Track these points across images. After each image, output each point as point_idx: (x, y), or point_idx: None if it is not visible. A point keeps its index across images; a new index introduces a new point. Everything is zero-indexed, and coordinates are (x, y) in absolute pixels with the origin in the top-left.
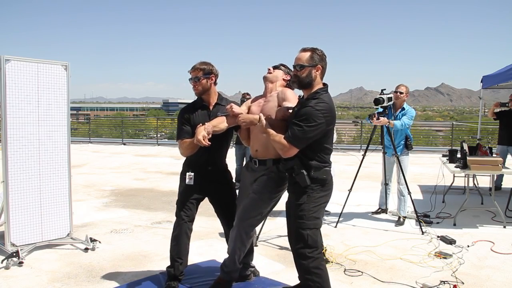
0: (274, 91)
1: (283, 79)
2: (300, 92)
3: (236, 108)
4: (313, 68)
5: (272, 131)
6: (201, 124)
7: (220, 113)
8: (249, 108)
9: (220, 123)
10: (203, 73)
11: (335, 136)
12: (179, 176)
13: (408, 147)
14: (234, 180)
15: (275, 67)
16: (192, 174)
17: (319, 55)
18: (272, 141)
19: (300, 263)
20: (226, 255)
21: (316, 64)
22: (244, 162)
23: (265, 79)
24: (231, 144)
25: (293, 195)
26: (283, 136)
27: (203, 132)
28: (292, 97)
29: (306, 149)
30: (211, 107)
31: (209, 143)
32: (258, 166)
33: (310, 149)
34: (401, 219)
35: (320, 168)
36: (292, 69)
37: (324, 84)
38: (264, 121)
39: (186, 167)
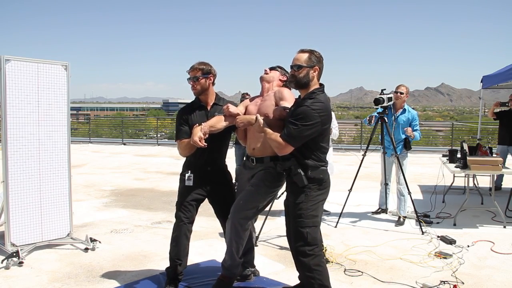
0: (271, 90)
1: (280, 80)
2: (298, 93)
3: (232, 108)
4: (311, 69)
5: (268, 130)
6: (197, 124)
7: (218, 114)
8: (246, 108)
9: (218, 122)
10: (202, 73)
11: (336, 132)
12: (179, 176)
13: (407, 147)
14: (234, 180)
15: (271, 68)
16: (191, 175)
17: (317, 57)
18: (268, 139)
19: (300, 261)
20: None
21: (314, 65)
22: None
23: (262, 79)
24: (230, 144)
25: (291, 195)
26: (278, 134)
27: (199, 133)
28: (289, 96)
29: (302, 148)
30: (209, 107)
31: (206, 144)
32: (256, 163)
33: (307, 148)
34: (401, 219)
35: (317, 167)
36: (288, 71)
37: (321, 85)
38: (261, 121)
39: (185, 168)
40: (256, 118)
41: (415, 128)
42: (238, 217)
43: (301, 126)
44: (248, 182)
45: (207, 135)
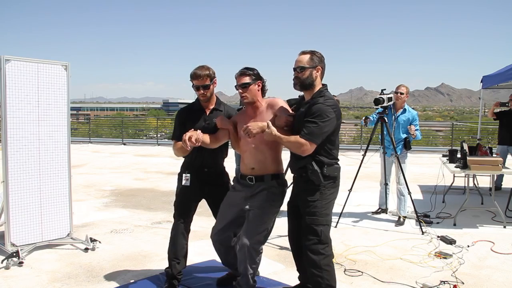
0: (261, 106)
1: (258, 90)
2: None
3: (224, 122)
4: (314, 69)
5: (283, 136)
6: (193, 129)
7: (215, 120)
8: (235, 125)
9: (209, 141)
10: (210, 79)
11: None
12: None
13: (407, 147)
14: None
15: (243, 86)
16: (189, 175)
17: (318, 57)
18: (287, 143)
19: (311, 259)
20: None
21: (316, 65)
22: None
23: (247, 104)
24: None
25: (304, 192)
26: (297, 136)
27: (190, 135)
28: (283, 103)
29: (317, 146)
30: (207, 112)
31: (189, 148)
32: (256, 182)
33: (320, 145)
34: (401, 219)
35: (332, 164)
36: (252, 68)
37: (324, 85)
38: (273, 128)
39: (183, 168)
40: (268, 124)
41: (415, 128)
42: (252, 243)
43: (320, 123)
44: (245, 202)
45: (198, 143)
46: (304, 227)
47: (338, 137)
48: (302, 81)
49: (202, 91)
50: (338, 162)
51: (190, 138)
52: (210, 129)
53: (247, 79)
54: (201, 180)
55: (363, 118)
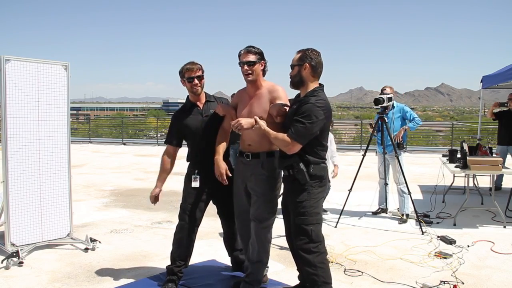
0: (261, 87)
1: (261, 70)
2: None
3: (224, 109)
4: (301, 67)
5: (271, 131)
6: (220, 166)
7: (212, 110)
8: (236, 106)
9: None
10: (202, 71)
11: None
12: (178, 176)
13: (399, 146)
14: None
15: (249, 64)
16: (198, 176)
17: (308, 55)
18: (274, 140)
19: (304, 258)
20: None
21: (303, 63)
22: None
23: (250, 82)
24: None
25: (292, 193)
26: (285, 134)
27: (221, 172)
28: (284, 95)
29: (304, 145)
30: (201, 106)
31: (226, 182)
32: (251, 159)
33: (309, 145)
34: (405, 217)
35: (318, 164)
36: (258, 48)
37: (320, 84)
38: (261, 123)
39: (192, 168)
40: (256, 120)
41: (413, 117)
42: (261, 228)
43: (308, 124)
44: (249, 181)
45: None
46: (295, 228)
47: (327, 138)
48: (291, 79)
49: (196, 82)
50: (325, 162)
51: (225, 173)
52: (210, 120)
53: (253, 58)
54: (210, 178)
55: (369, 125)
